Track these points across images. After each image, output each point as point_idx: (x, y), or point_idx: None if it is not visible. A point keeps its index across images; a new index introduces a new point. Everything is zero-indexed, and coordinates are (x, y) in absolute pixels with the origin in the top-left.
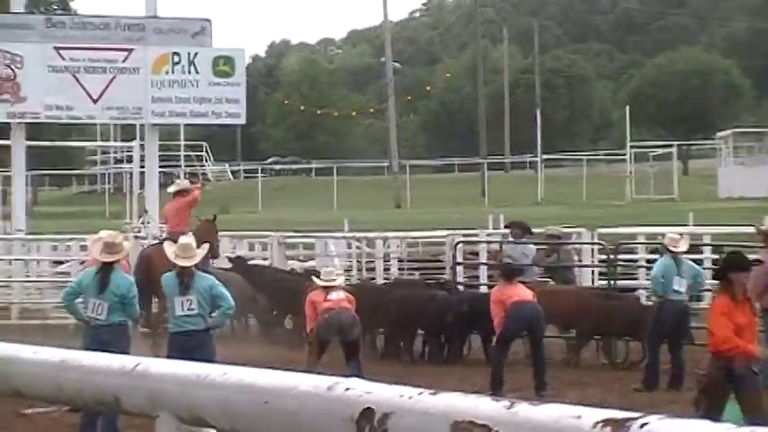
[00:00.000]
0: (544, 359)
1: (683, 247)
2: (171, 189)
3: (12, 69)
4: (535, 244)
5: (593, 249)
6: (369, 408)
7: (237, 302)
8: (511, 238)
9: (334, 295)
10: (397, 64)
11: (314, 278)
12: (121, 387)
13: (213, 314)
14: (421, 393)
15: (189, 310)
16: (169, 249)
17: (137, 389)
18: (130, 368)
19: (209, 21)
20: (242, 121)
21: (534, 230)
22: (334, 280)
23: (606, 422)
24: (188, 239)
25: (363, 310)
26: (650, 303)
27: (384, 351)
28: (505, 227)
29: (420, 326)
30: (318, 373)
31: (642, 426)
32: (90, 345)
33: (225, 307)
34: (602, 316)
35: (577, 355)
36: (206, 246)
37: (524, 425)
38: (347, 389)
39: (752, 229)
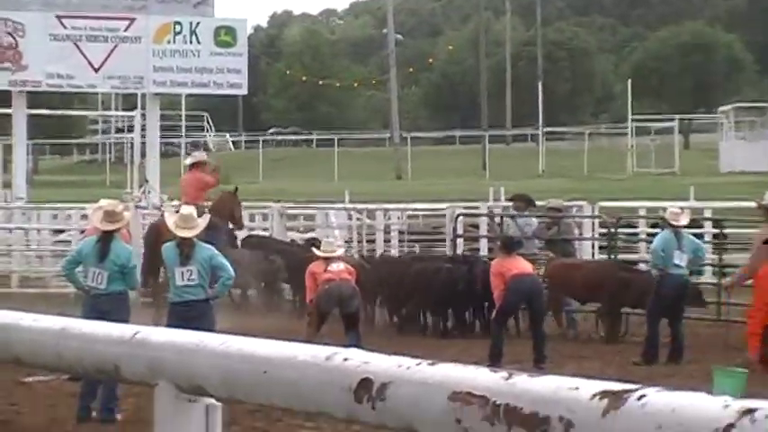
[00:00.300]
0: (543, 332)
1: (684, 221)
2: (188, 161)
3: (13, 37)
4: (537, 217)
5: (593, 223)
6: (367, 378)
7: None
8: (513, 211)
9: (334, 266)
10: (399, 35)
11: (314, 249)
12: (121, 355)
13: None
14: (419, 364)
15: (189, 280)
16: (170, 220)
17: (136, 357)
18: (130, 336)
19: None
20: (243, 91)
21: (538, 203)
22: (334, 251)
23: (604, 394)
24: (189, 210)
25: (383, 284)
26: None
27: (402, 325)
28: (509, 200)
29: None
30: (318, 343)
31: (640, 398)
32: (90, 314)
33: (225, 277)
34: (621, 288)
35: (616, 327)
36: (207, 217)
37: (522, 396)
38: (345, 359)
39: (753, 204)
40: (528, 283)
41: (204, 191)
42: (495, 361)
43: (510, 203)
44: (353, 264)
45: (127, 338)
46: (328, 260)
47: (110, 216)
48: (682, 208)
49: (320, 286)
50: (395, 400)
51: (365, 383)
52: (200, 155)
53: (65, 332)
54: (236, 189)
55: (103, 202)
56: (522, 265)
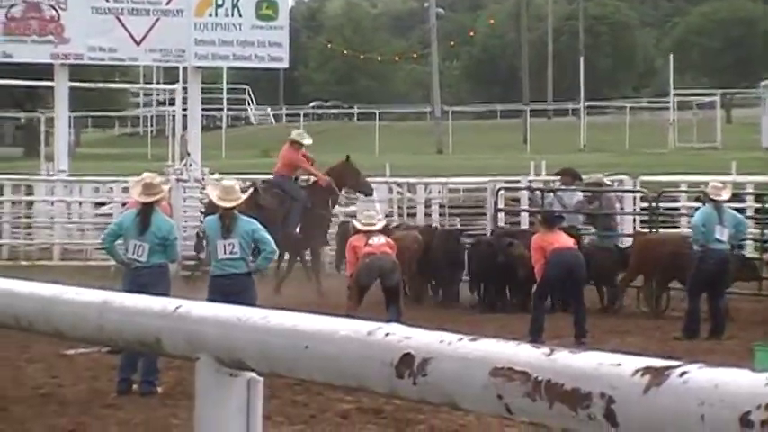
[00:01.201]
0: (584, 307)
1: (726, 195)
2: (294, 136)
3: (56, 10)
4: (582, 191)
5: (634, 197)
6: (408, 353)
7: None
8: (558, 185)
9: (374, 240)
10: (440, 9)
11: (354, 222)
12: (162, 329)
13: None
14: (461, 339)
15: (231, 253)
16: (212, 192)
17: (177, 331)
18: (171, 310)
19: None
20: (284, 64)
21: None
22: (374, 224)
23: (646, 370)
24: (231, 182)
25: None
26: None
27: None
28: (555, 174)
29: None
30: (359, 318)
31: (682, 374)
32: (130, 286)
33: (267, 251)
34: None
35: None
36: (250, 190)
37: (564, 372)
38: (387, 334)
39: None
40: (569, 257)
41: (294, 168)
42: (535, 336)
43: (551, 178)
44: (414, 235)
45: (168, 312)
46: (369, 234)
47: (148, 188)
48: (723, 182)
49: (360, 260)
50: (436, 376)
51: (407, 359)
52: (303, 133)
53: (106, 305)
54: (348, 158)
55: (145, 175)
56: (563, 240)
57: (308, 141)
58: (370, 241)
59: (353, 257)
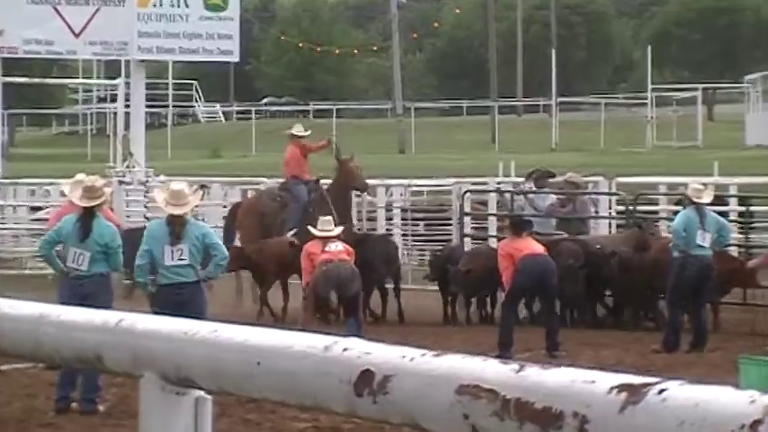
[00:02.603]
0: (557, 318)
1: (707, 198)
2: (295, 131)
3: None
4: (555, 193)
5: (610, 200)
6: (368, 370)
7: None
8: (528, 187)
9: (332, 246)
10: None
11: (310, 228)
12: (103, 344)
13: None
14: (424, 355)
15: (179, 259)
16: (160, 196)
17: (120, 346)
18: (113, 324)
19: None
20: (235, 58)
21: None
22: (331, 230)
23: (622, 387)
24: (181, 185)
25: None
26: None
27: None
28: (529, 174)
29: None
30: (316, 331)
31: (660, 392)
32: (70, 298)
33: (218, 258)
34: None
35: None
36: (200, 193)
37: (534, 390)
38: (345, 349)
39: None
40: (540, 264)
41: (302, 164)
42: (504, 350)
43: (521, 179)
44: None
45: (110, 326)
46: (326, 240)
47: (89, 192)
48: (704, 184)
49: (317, 268)
50: (398, 394)
51: (366, 376)
52: (300, 128)
53: (43, 319)
54: (352, 157)
55: (80, 176)
56: (532, 246)
57: (306, 133)
58: (327, 248)
59: (309, 266)
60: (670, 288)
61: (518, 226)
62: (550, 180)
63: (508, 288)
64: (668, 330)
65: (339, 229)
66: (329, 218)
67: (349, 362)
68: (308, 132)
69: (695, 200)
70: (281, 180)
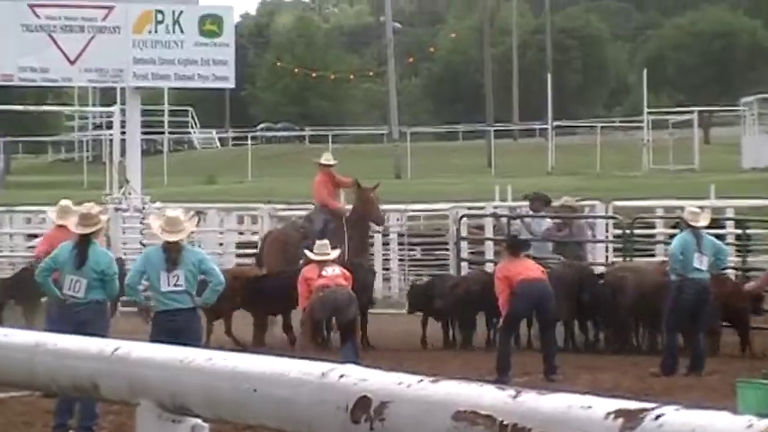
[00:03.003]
0: (554, 342)
1: (704, 221)
2: (323, 160)
3: None
4: (551, 217)
5: (607, 224)
6: (365, 396)
7: None
8: (526, 211)
9: (329, 271)
10: (397, 24)
11: (306, 252)
12: (100, 372)
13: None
14: (421, 381)
15: (176, 285)
16: (155, 223)
17: (116, 374)
18: (109, 352)
19: None
20: (230, 84)
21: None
22: (328, 254)
23: (618, 413)
24: (176, 212)
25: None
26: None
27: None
28: (524, 198)
29: None
30: (312, 357)
31: (657, 417)
32: (66, 325)
33: (214, 283)
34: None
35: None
36: (195, 219)
37: (531, 415)
38: (341, 376)
39: None
40: (537, 289)
41: (327, 194)
42: (502, 374)
43: (518, 203)
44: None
45: (106, 354)
46: (322, 264)
47: (85, 219)
48: (701, 207)
49: (314, 293)
50: (395, 420)
51: (363, 402)
52: (329, 156)
53: (38, 347)
54: (377, 186)
55: (65, 203)
56: (530, 269)
57: (334, 162)
58: (324, 272)
59: (306, 290)
60: (668, 312)
61: (515, 247)
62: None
63: (505, 313)
64: (666, 354)
65: (336, 253)
66: (326, 241)
67: (345, 389)
68: (336, 162)
69: (692, 223)
70: (278, 206)
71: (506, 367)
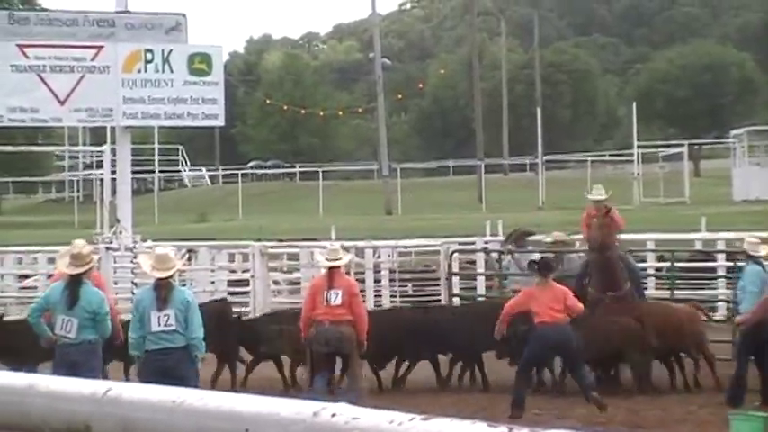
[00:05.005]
0: (586, 376)
1: (764, 251)
2: (593, 197)
3: None
4: (540, 252)
5: None
6: None
7: None
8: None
9: (333, 298)
10: (386, 60)
11: (318, 257)
12: (92, 414)
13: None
14: (412, 419)
15: (167, 325)
16: (146, 263)
17: (108, 416)
18: (101, 394)
19: (184, 15)
20: (220, 122)
21: (536, 237)
22: (339, 258)
23: None
24: (165, 250)
25: None
26: None
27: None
28: (506, 238)
29: None
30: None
31: None
32: (58, 365)
33: (197, 340)
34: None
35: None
36: (186, 257)
37: None
38: (333, 414)
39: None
40: (555, 333)
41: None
42: (516, 410)
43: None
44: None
45: (98, 396)
46: (332, 279)
47: (76, 259)
48: (760, 238)
49: (313, 325)
50: None
51: None
52: (601, 190)
53: (32, 389)
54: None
55: (79, 243)
56: (552, 306)
57: (595, 196)
58: (326, 300)
59: (311, 302)
60: (740, 341)
61: (546, 268)
62: (529, 238)
63: (524, 356)
64: (735, 383)
65: (347, 258)
66: (338, 246)
67: (337, 427)
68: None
69: (752, 253)
70: (269, 243)
71: (521, 404)
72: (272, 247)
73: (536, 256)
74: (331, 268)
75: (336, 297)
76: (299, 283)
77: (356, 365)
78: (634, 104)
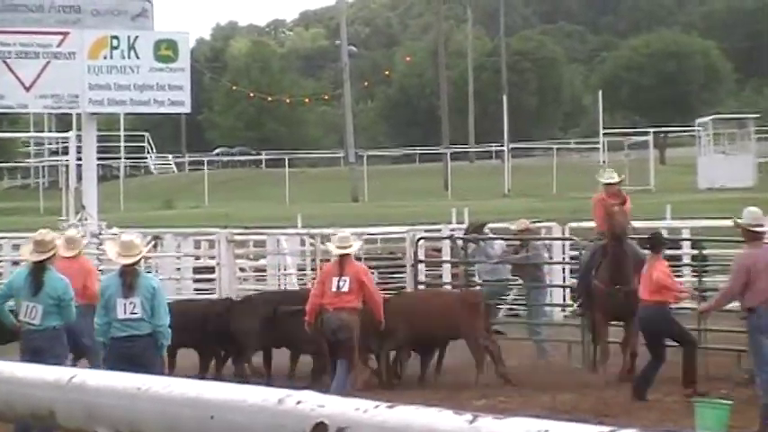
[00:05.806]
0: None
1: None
2: (606, 180)
3: None
4: (504, 239)
5: (564, 245)
6: (321, 422)
7: None
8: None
9: (341, 285)
10: (353, 47)
11: (328, 245)
12: (56, 400)
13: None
14: (377, 407)
15: (132, 313)
16: (111, 249)
17: (73, 402)
18: (66, 380)
19: (150, 2)
20: (186, 109)
21: (502, 225)
22: (349, 246)
23: None
24: (130, 236)
25: None
26: None
27: None
28: (465, 231)
29: None
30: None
31: None
32: (23, 351)
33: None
34: None
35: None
36: (151, 243)
37: None
38: (299, 402)
39: (731, 223)
40: (645, 312)
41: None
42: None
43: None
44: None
45: (63, 383)
46: (342, 267)
47: (40, 246)
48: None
49: (321, 312)
50: None
51: (320, 428)
52: (614, 174)
53: None
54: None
55: (71, 232)
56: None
57: (606, 179)
58: (335, 287)
59: (320, 289)
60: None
61: (659, 243)
62: (492, 225)
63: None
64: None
65: (357, 246)
66: (347, 233)
67: (303, 415)
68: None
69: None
70: (235, 230)
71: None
72: (238, 234)
73: (499, 244)
74: (341, 256)
75: (344, 284)
76: (264, 270)
77: (352, 353)
78: (600, 92)
